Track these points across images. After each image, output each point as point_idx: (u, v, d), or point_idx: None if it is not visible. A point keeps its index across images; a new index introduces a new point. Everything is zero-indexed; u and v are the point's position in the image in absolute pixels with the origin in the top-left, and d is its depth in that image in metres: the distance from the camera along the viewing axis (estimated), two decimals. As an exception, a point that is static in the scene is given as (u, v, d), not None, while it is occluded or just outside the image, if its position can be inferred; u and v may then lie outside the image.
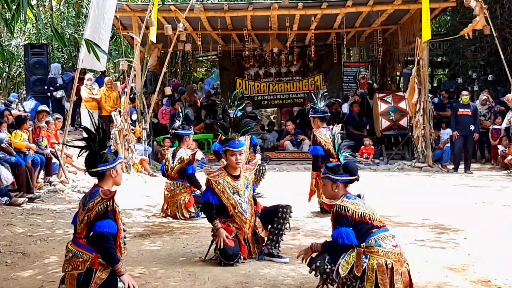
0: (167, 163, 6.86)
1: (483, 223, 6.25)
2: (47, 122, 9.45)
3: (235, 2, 14.59)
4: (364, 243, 3.56)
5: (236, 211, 4.62)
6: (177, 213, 6.68)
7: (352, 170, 3.76)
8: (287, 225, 4.77)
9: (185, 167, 6.66)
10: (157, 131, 13.66)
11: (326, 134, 6.55)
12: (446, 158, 12.08)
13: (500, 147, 12.01)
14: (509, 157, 11.20)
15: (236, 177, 4.66)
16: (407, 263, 3.60)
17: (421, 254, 4.94)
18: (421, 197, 8.21)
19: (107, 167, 3.59)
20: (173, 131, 7.06)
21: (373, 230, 3.60)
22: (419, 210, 7.01)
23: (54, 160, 8.87)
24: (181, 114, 7.28)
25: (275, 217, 4.73)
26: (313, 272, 3.65)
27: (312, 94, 7.12)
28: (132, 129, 11.00)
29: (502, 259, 4.71)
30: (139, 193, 8.51)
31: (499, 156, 11.99)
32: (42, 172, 8.50)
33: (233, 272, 4.36)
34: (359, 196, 3.77)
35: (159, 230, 6.02)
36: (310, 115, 6.99)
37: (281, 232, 4.73)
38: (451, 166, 11.76)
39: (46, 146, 8.85)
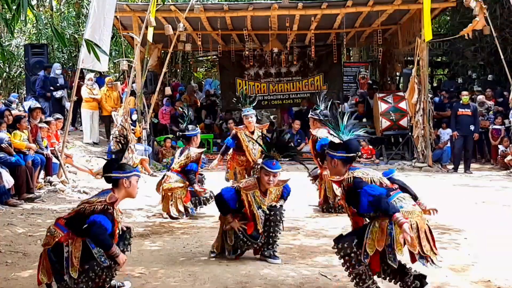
0: (175, 159, 6.99)
1: (483, 223, 6.25)
2: (47, 122, 9.45)
3: (235, 2, 14.60)
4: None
5: (254, 220, 4.66)
6: (170, 207, 6.65)
7: (351, 147, 3.69)
8: (280, 226, 4.75)
9: (189, 163, 6.70)
10: (157, 131, 13.66)
11: (323, 132, 6.66)
12: (446, 158, 12.08)
13: (500, 147, 12.02)
14: (509, 157, 11.21)
15: (264, 193, 4.70)
16: (427, 220, 3.61)
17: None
18: (421, 197, 8.19)
19: (120, 175, 3.71)
20: (181, 133, 7.15)
21: (391, 193, 3.58)
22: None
23: (54, 160, 8.88)
24: (185, 115, 7.41)
25: (265, 220, 4.73)
26: (336, 250, 3.63)
27: (316, 96, 7.24)
28: (132, 129, 11.00)
29: (502, 259, 4.71)
30: (139, 193, 8.49)
31: (499, 156, 11.99)
32: (42, 172, 8.50)
33: (233, 272, 4.36)
34: None
35: (159, 230, 6.02)
36: (310, 116, 7.02)
37: (271, 234, 4.71)
38: (451, 166, 11.76)
39: (46, 146, 8.84)
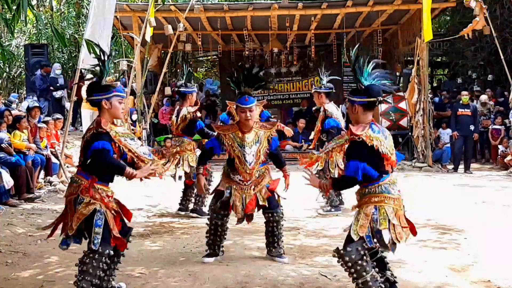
0: (172, 124, 6.85)
1: (483, 223, 6.25)
2: (47, 122, 9.44)
3: (235, 2, 14.59)
4: (373, 186, 3.48)
5: (240, 162, 4.58)
6: (177, 169, 6.58)
7: (372, 92, 3.48)
8: (280, 225, 4.76)
9: (188, 123, 6.56)
10: (157, 131, 13.66)
11: (333, 108, 6.74)
12: (446, 158, 12.08)
13: (501, 147, 12.01)
14: (508, 157, 11.20)
15: (246, 132, 4.64)
16: (403, 206, 3.58)
17: (422, 254, 4.94)
18: (421, 197, 8.20)
19: (100, 97, 3.58)
20: (176, 89, 6.97)
21: (383, 175, 3.53)
22: (419, 210, 6.99)
23: (54, 160, 8.87)
24: (184, 71, 7.12)
25: (265, 219, 4.76)
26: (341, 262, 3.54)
27: (319, 69, 7.19)
28: (132, 129, 11.00)
29: (502, 259, 4.71)
30: (139, 193, 8.50)
31: (499, 156, 11.99)
32: (42, 172, 8.50)
33: (233, 272, 4.36)
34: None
35: (160, 230, 6.02)
36: (314, 90, 6.98)
37: (275, 234, 4.73)
38: (451, 166, 11.76)
39: (46, 147, 8.84)
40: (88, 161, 3.52)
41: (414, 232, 3.61)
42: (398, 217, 3.49)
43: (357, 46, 3.81)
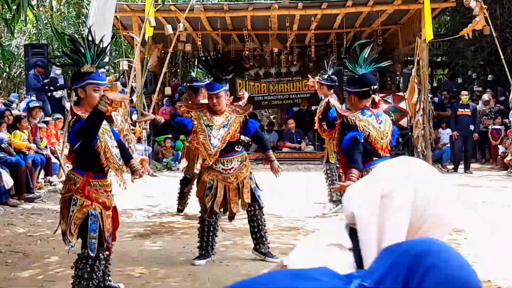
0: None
1: (483, 223, 6.24)
2: (47, 122, 9.44)
3: (235, 2, 14.60)
4: (364, 170, 3.52)
5: (204, 143, 4.46)
6: (196, 164, 6.39)
7: (365, 81, 3.62)
8: (262, 220, 4.69)
9: None
10: (157, 131, 13.65)
11: (335, 101, 6.73)
12: (446, 158, 12.08)
13: (501, 147, 12.01)
14: (508, 157, 11.20)
15: (214, 113, 4.52)
16: None
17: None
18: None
19: (75, 86, 3.44)
20: (188, 84, 6.75)
21: (374, 158, 3.56)
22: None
23: (54, 160, 8.87)
24: (193, 65, 6.96)
25: (248, 215, 4.70)
26: None
27: (325, 61, 7.20)
28: (132, 129, 11.00)
29: (502, 259, 4.71)
30: (139, 193, 8.50)
31: (499, 156, 11.99)
32: (42, 172, 8.50)
33: (233, 272, 4.36)
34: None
35: (160, 230, 6.02)
36: (318, 80, 6.93)
37: (260, 228, 4.67)
38: (451, 166, 11.76)
39: (46, 146, 8.84)
40: (76, 150, 3.37)
41: None
42: None
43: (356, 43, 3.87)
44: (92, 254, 3.37)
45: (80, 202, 3.36)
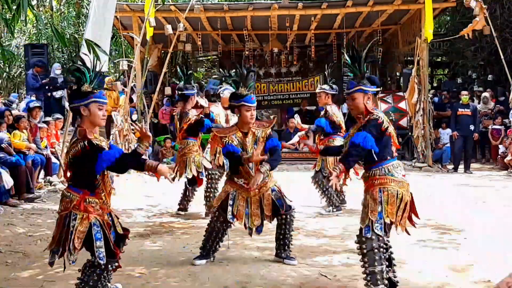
0: (176, 128, 6.68)
1: (483, 223, 6.25)
2: (47, 122, 9.44)
3: (235, 2, 14.60)
4: (377, 168, 3.56)
5: (243, 167, 4.49)
6: (184, 172, 6.43)
7: (377, 81, 3.71)
8: (292, 227, 4.73)
9: (192, 125, 6.37)
10: (157, 131, 13.66)
11: (335, 109, 6.84)
12: (446, 158, 12.08)
13: (501, 147, 12.01)
14: (508, 157, 11.20)
15: (245, 134, 4.57)
16: (411, 193, 3.67)
17: (422, 254, 4.94)
18: (421, 197, 8.18)
19: (78, 104, 3.39)
20: (179, 92, 6.75)
21: (388, 157, 3.60)
22: (419, 210, 6.98)
23: (54, 160, 8.87)
24: (183, 72, 6.74)
25: (277, 222, 4.69)
26: (359, 246, 3.58)
27: (326, 68, 7.42)
28: (132, 129, 11.00)
29: (503, 259, 4.71)
30: (139, 193, 8.51)
31: (499, 156, 11.99)
32: (42, 172, 8.50)
33: (233, 272, 4.36)
34: None
35: (160, 230, 6.02)
36: (322, 90, 6.93)
37: (287, 236, 4.68)
38: (451, 166, 11.76)
39: (46, 147, 8.84)
40: (84, 177, 3.37)
41: (412, 223, 3.73)
42: (403, 202, 3.57)
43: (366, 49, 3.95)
44: (101, 262, 3.38)
45: (80, 216, 3.36)
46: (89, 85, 3.43)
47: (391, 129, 3.64)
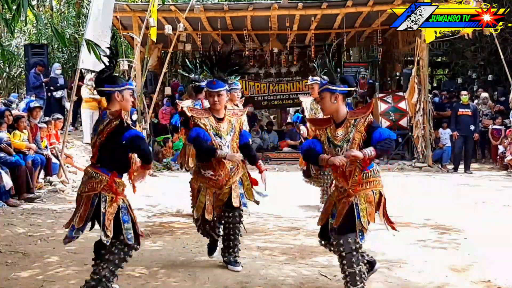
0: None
1: (483, 223, 6.25)
2: (47, 122, 9.44)
3: (235, 2, 14.60)
4: (370, 169, 3.57)
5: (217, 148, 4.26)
6: (184, 163, 6.53)
7: (350, 81, 3.65)
8: (240, 228, 4.44)
9: None
10: (157, 131, 13.66)
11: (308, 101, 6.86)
12: (446, 158, 12.08)
13: (501, 148, 12.01)
14: (508, 157, 11.20)
15: (220, 120, 4.35)
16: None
17: (422, 254, 4.94)
18: (421, 197, 8.22)
19: (112, 89, 3.57)
20: (195, 83, 6.72)
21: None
22: (419, 210, 7.02)
23: (54, 160, 8.87)
24: (195, 66, 6.87)
25: (222, 223, 4.48)
26: (337, 248, 3.56)
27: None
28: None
29: (503, 259, 4.71)
30: (139, 193, 8.50)
31: (499, 157, 11.99)
32: (42, 172, 8.50)
33: (233, 272, 4.36)
34: None
35: (160, 230, 6.02)
36: (314, 82, 6.86)
37: (231, 237, 4.41)
38: (451, 166, 11.76)
39: (46, 147, 8.84)
40: (113, 157, 3.50)
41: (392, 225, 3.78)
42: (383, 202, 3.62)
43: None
44: (130, 243, 3.54)
45: (109, 198, 3.50)
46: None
47: None
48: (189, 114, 4.38)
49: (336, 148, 3.61)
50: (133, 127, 3.54)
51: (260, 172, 4.46)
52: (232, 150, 4.33)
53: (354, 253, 3.49)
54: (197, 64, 4.72)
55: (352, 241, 3.49)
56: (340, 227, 3.54)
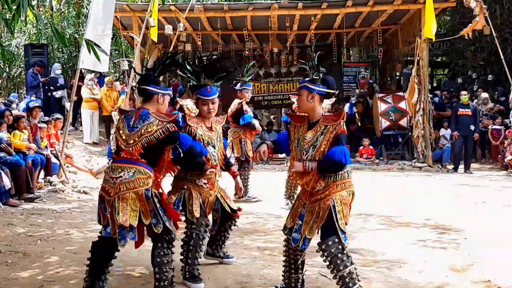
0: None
1: (483, 223, 6.25)
2: (47, 122, 9.44)
3: (235, 2, 14.60)
4: (344, 171, 3.55)
5: (210, 163, 4.15)
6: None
7: (330, 83, 3.66)
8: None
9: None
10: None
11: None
12: (446, 158, 12.08)
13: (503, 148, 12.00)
14: (508, 157, 11.20)
15: (210, 128, 4.29)
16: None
17: (422, 254, 4.94)
18: (421, 197, 8.22)
19: (157, 90, 3.61)
20: (192, 83, 6.76)
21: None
22: (419, 210, 7.02)
23: (54, 160, 8.87)
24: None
25: (224, 223, 4.51)
26: (321, 254, 3.54)
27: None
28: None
29: (503, 259, 4.71)
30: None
31: (499, 156, 11.98)
32: (42, 172, 8.50)
33: (233, 272, 4.36)
34: None
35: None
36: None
37: (227, 235, 4.61)
38: (451, 166, 11.76)
39: (46, 147, 8.83)
40: (150, 150, 3.54)
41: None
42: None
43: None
44: (172, 229, 3.65)
45: (154, 194, 3.57)
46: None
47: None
48: (187, 122, 4.22)
49: (302, 151, 3.59)
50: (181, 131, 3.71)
51: (234, 176, 4.48)
52: (220, 157, 4.31)
53: (339, 255, 3.46)
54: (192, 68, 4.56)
55: (334, 244, 3.46)
56: (321, 234, 3.53)
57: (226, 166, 4.46)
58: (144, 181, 3.51)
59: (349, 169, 3.61)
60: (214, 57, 4.35)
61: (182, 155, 3.67)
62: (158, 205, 3.55)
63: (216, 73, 4.27)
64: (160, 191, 3.65)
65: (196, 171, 4.04)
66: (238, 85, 7.54)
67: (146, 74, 3.71)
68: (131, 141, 3.52)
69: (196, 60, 4.34)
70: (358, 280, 3.54)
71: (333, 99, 4.07)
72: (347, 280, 3.47)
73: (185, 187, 4.18)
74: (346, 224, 3.50)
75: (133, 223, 3.46)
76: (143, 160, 3.54)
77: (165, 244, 3.63)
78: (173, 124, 3.52)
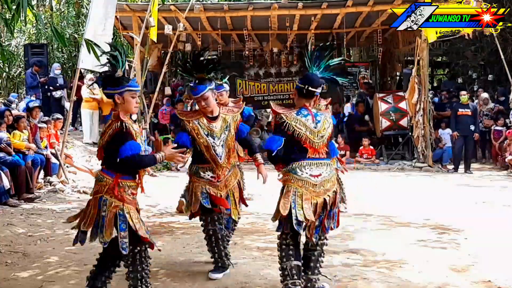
0: None
1: (483, 223, 6.25)
2: (47, 122, 9.44)
3: (235, 2, 14.59)
4: (288, 166, 3.66)
5: (209, 154, 4.16)
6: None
7: (309, 80, 3.74)
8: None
9: None
10: (157, 131, 13.65)
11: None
12: (446, 158, 12.07)
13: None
14: (509, 157, 11.19)
15: (213, 119, 4.20)
16: (329, 195, 3.68)
17: (422, 254, 4.94)
18: (421, 197, 8.22)
19: (112, 91, 3.49)
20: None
21: (303, 155, 3.65)
22: (419, 210, 7.02)
23: (54, 160, 8.86)
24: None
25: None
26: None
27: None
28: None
29: (503, 259, 4.71)
30: (138, 193, 8.50)
31: (499, 156, 11.98)
32: (42, 172, 8.49)
33: (233, 272, 4.35)
34: None
35: (159, 230, 6.01)
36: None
37: (230, 235, 4.70)
38: (451, 166, 11.76)
39: (46, 147, 8.83)
40: (116, 159, 3.40)
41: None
42: (302, 200, 3.60)
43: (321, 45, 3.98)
44: (125, 253, 3.41)
45: (109, 203, 3.42)
46: (120, 69, 3.52)
47: (302, 133, 3.64)
48: (180, 116, 4.27)
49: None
50: (134, 131, 3.45)
51: (257, 165, 4.39)
52: (227, 148, 4.22)
53: (284, 246, 3.65)
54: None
55: (281, 234, 3.68)
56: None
57: (250, 152, 4.51)
58: (99, 188, 3.45)
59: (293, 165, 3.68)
60: (203, 51, 4.19)
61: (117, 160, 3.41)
62: (104, 216, 3.40)
63: (205, 65, 4.17)
64: (120, 209, 3.46)
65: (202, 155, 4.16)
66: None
67: (104, 78, 3.57)
68: (98, 144, 3.58)
69: (185, 59, 4.40)
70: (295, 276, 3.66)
71: (328, 99, 4.06)
72: (285, 273, 3.69)
73: (205, 186, 4.21)
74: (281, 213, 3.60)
75: (86, 226, 3.46)
76: (104, 165, 3.50)
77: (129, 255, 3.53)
78: (122, 126, 3.38)
